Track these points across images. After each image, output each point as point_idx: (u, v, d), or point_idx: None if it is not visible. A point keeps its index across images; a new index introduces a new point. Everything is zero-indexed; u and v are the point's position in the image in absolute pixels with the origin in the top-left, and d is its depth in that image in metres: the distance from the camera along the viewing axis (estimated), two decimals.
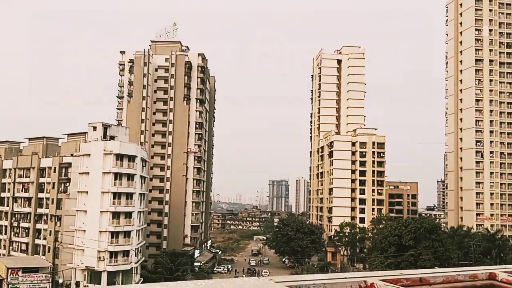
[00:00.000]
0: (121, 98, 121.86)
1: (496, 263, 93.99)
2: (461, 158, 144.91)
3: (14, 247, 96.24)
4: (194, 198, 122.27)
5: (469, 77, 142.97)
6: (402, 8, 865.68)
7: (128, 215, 79.13)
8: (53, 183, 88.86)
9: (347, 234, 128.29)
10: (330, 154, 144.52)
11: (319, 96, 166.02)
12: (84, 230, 75.88)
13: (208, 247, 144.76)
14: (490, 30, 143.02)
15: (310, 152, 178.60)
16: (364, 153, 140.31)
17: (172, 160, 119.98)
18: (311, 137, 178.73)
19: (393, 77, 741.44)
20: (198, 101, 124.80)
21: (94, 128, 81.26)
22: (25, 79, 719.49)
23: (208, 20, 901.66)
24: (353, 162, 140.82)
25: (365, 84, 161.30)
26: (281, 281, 3.84)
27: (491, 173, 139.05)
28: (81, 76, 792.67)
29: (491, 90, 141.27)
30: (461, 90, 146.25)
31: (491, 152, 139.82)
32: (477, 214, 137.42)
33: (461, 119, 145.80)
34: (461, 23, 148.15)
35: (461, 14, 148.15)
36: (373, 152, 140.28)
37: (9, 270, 66.11)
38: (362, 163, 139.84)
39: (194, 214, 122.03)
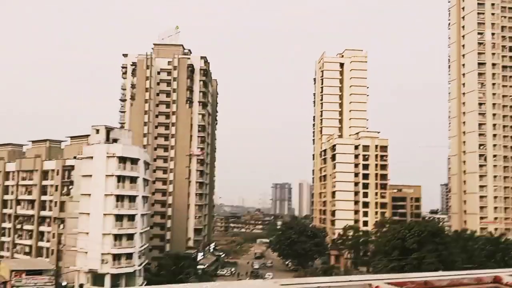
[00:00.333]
0: (124, 101, 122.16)
1: (500, 267, 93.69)
2: (464, 162, 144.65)
3: (17, 249, 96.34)
4: (197, 201, 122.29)
5: (472, 80, 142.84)
6: (406, 11, 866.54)
7: (131, 217, 79.14)
8: (56, 186, 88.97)
9: (350, 237, 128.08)
10: (333, 157, 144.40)
11: (321, 99, 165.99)
12: (87, 233, 75.91)
13: (211, 250, 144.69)
14: (493, 34, 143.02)
15: (313, 155, 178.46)
16: (367, 156, 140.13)
17: (175, 163, 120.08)
18: (313, 140, 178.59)
19: (396, 80, 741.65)
20: (201, 104, 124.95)
21: (97, 131, 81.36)
22: (28, 79, 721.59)
23: (209, 24, 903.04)
24: (356, 165, 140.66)
25: (368, 87, 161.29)
26: (286, 284, 3.86)
27: (495, 176, 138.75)
28: (83, 79, 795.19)
29: (494, 94, 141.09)
30: (464, 93, 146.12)
31: (494, 156, 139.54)
32: (480, 218, 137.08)
33: (464, 123, 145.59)
34: (463, 27, 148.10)
35: (463, 17, 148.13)
36: (376, 155, 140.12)
37: (13, 273, 66.21)
38: (365, 166, 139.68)
39: (197, 217, 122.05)
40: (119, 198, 77.23)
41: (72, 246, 76.85)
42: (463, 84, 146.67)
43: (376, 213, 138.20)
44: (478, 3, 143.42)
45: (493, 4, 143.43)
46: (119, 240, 76.55)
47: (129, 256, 77.61)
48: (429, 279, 4.52)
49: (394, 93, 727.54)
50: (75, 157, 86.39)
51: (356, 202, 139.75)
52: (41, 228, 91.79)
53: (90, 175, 77.64)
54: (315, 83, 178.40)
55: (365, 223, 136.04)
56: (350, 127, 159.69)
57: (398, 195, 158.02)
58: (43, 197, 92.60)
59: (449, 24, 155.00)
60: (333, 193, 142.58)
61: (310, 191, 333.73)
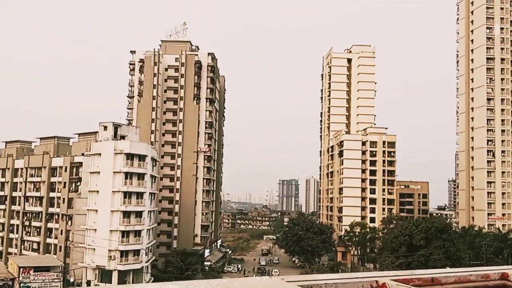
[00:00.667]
0: (132, 97, 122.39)
1: (508, 263, 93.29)
2: (472, 157, 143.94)
3: (25, 246, 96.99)
4: (204, 198, 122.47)
5: (481, 75, 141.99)
6: (415, 6, 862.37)
7: (139, 214, 79.40)
8: (64, 183, 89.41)
9: (357, 233, 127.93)
10: (340, 154, 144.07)
11: (329, 95, 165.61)
12: (95, 229, 76.24)
13: (218, 247, 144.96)
14: (502, 29, 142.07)
15: (320, 151, 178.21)
16: (374, 153, 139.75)
17: (182, 160, 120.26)
18: (321, 136, 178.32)
19: (403, 75, 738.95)
20: (208, 100, 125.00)
21: (105, 128, 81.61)
22: (31, 78, 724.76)
23: (217, 20, 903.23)
24: (363, 162, 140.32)
25: (376, 83, 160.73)
26: (292, 281, 3.83)
27: (503, 172, 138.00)
28: (92, 76, 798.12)
29: (502, 89, 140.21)
30: (472, 89, 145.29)
31: (503, 151, 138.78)
32: (488, 214, 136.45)
33: (472, 118, 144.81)
34: (472, 22, 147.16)
35: (472, 12, 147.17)
36: (384, 152, 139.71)
37: (21, 269, 66.55)
38: (373, 163, 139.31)
39: (204, 214, 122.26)
40: (127, 194, 77.46)
41: (80, 242, 77.23)
42: (472, 79, 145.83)
43: (384, 209, 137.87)
44: None
45: None
46: (126, 236, 76.80)
47: (136, 252, 77.90)
48: (436, 275, 4.48)
49: (401, 89, 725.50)
50: (83, 154, 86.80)
51: (364, 199, 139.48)
52: (49, 225, 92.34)
53: (98, 172, 77.94)
54: (322, 79, 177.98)
55: (372, 220, 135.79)
56: (357, 123, 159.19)
57: (405, 191, 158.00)
58: (51, 194, 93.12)
59: (457, 19, 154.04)
60: (340, 189, 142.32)
61: (317, 187, 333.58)
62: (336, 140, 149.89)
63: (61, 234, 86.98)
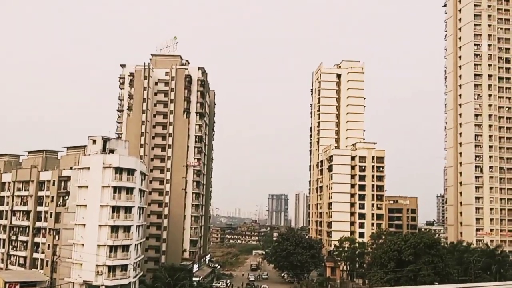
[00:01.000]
0: (121, 111, 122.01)
1: (496, 279, 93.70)
2: (460, 173, 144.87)
3: (12, 261, 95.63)
4: (193, 212, 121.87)
5: (468, 91, 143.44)
6: (403, 22, 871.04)
7: (127, 229, 78.72)
8: (52, 197, 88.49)
9: (346, 249, 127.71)
10: (330, 168, 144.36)
11: (318, 110, 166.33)
12: (83, 244, 75.46)
13: (207, 262, 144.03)
14: (489, 45, 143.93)
15: (310, 166, 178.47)
16: (363, 168, 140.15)
17: (172, 174, 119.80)
18: (310, 151, 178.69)
19: (394, 91, 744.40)
20: (198, 114, 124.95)
21: (94, 142, 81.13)
22: (23, 90, 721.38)
23: (208, 34, 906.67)
24: (353, 177, 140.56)
25: (365, 98, 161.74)
26: None
27: (491, 188, 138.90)
28: (81, 89, 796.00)
29: (490, 105, 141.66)
30: (460, 104, 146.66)
31: (491, 167, 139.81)
32: (476, 229, 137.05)
33: (460, 134, 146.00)
34: (460, 38, 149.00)
35: (460, 29, 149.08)
36: (373, 167, 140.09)
37: (7, 284, 65.76)
38: (362, 178, 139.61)
39: (193, 228, 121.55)
40: (115, 209, 76.81)
41: (67, 257, 76.35)
42: (460, 95, 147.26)
43: (373, 224, 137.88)
44: (475, 15, 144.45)
45: (489, 16, 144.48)
46: (114, 251, 76.04)
47: (124, 267, 77.11)
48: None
49: (390, 103, 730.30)
50: (71, 168, 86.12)
51: (353, 214, 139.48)
52: (36, 239, 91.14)
53: (87, 186, 77.34)
54: (312, 94, 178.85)
55: (361, 235, 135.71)
56: (347, 138, 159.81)
57: (394, 207, 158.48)
58: (39, 208, 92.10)
59: (445, 35, 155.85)
60: (330, 204, 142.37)
61: (306, 202, 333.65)
62: (326, 154, 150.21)
63: (48, 248, 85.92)
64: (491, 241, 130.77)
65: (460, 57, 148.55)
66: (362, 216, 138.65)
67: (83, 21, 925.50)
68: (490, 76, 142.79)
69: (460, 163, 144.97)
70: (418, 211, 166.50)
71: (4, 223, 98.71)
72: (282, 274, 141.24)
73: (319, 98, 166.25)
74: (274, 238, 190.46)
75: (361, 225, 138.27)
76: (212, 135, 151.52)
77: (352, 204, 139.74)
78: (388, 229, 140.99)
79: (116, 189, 77.15)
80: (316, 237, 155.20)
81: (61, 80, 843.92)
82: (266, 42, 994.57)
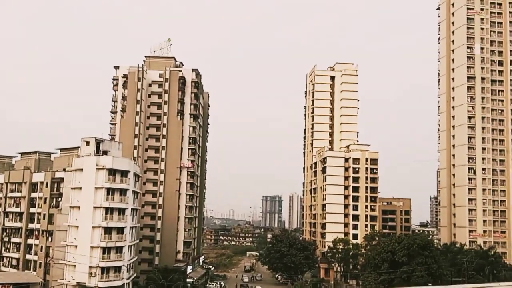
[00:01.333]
0: (115, 113, 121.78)
1: (489, 280, 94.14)
2: (453, 175, 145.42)
3: (4, 262, 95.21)
4: (187, 214, 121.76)
5: (461, 94, 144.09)
6: (397, 25, 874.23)
7: (120, 230, 78.56)
8: (45, 198, 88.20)
9: (340, 250, 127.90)
10: (323, 170, 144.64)
11: (312, 112, 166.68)
12: (76, 246, 75.21)
13: (201, 263, 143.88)
14: (482, 48, 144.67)
15: (304, 168, 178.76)
16: (357, 169, 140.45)
17: (165, 175, 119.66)
18: (304, 153, 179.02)
19: (387, 93, 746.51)
20: (192, 116, 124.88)
21: (87, 143, 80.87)
22: (16, 91, 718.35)
23: (202, 35, 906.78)
24: (346, 178, 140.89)
25: (358, 100, 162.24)
26: None
27: (484, 190, 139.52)
28: (74, 91, 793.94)
29: (483, 108, 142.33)
30: (453, 107, 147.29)
31: (484, 169, 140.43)
32: (470, 231, 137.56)
33: (453, 136, 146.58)
34: (453, 41, 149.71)
35: (453, 32, 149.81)
36: (366, 168, 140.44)
37: (0, 286, 65.44)
38: (355, 179, 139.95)
39: (187, 230, 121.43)
40: (109, 210, 76.65)
41: (60, 259, 76.11)
42: (453, 98, 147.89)
43: (366, 226, 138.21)
44: (468, 18, 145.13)
45: (482, 19, 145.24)
46: (107, 253, 75.86)
47: (117, 269, 76.90)
48: None
49: (383, 105, 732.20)
50: (64, 169, 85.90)
51: (346, 215, 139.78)
52: (29, 241, 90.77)
53: (80, 188, 77.13)
54: (306, 96, 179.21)
55: (355, 236, 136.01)
56: (340, 140, 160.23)
57: (387, 208, 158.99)
58: (32, 210, 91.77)
59: (438, 38, 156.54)
60: (324, 205, 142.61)
61: (300, 203, 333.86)
62: (319, 156, 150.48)
63: (41, 250, 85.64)
64: (484, 242, 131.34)
65: (453, 60, 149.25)
66: (356, 217, 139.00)
67: (75, 21, 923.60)
68: (483, 79, 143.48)
69: (453, 165, 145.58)
70: (412, 212, 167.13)
71: None
72: (276, 276, 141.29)
73: (313, 100, 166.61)
74: (268, 240, 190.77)
75: (355, 227, 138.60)
76: (206, 136, 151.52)
77: (346, 206, 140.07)
78: (382, 230, 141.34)
79: (110, 191, 76.97)
80: (310, 238, 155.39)
81: (54, 81, 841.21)
82: (260, 44, 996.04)
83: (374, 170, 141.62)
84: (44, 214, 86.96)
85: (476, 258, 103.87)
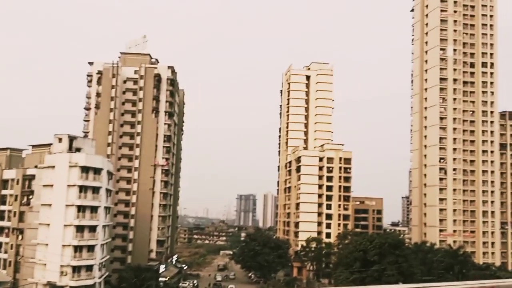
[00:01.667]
0: (88, 109, 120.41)
1: (458, 279, 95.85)
2: (425, 175, 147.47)
3: None
4: (160, 212, 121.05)
5: (434, 95, 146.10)
6: (371, 26, 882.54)
7: (93, 229, 77.81)
8: (16, 196, 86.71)
9: (313, 249, 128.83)
10: (298, 169, 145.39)
11: (287, 111, 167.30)
12: (47, 244, 74.22)
13: (174, 262, 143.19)
14: (455, 50, 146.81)
15: (278, 166, 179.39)
16: (331, 169, 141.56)
17: (139, 173, 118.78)
18: (279, 151, 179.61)
19: (361, 93, 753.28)
20: (167, 114, 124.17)
21: (60, 140, 79.84)
22: None
23: (178, 33, 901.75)
24: (320, 177, 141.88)
25: (333, 100, 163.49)
26: None
27: (454, 190, 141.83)
28: (47, 87, 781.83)
29: (454, 109, 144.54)
30: (425, 108, 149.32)
31: (454, 169, 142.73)
32: (440, 230, 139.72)
33: (425, 136, 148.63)
34: (426, 43, 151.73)
35: (426, 33, 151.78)
36: (340, 168, 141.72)
37: None
38: (329, 178, 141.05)
39: (160, 228, 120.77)
40: (81, 208, 75.82)
41: (31, 257, 75.01)
42: (425, 98, 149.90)
43: (339, 225, 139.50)
44: (441, 20, 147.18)
45: (455, 21, 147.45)
46: (79, 251, 75.04)
47: (89, 268, 76.17)
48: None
49: (357, 105, 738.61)
50: (36, 166, 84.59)
51: (320, 214, 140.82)
52: None
53: (52, 185, 76.13)
54: (281, 95, 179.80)
55: (328, 235, 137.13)
56: (315, 139, 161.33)
57: (360, 207, 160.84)
58: (2, 207, 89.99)
59: (412, 39, 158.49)
60: (297, 204, 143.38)
61: (274, 202, 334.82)
62: (294, 155, 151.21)
63: (11, 248, 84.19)
64: (454, 241, 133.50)
65: (426, 61, 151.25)
66: (329, 216, 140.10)
67: (49, 16, 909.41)
68: (455, 80, 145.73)
69: (425, 165, 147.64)
70: (384, 212, 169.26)
71: None
72: (249, 274, 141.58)
73: (288, 99, 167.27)
74: (242, 238, 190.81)
75: (328, 226, 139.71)
76: (181, 134, 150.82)
77: (320, 205, 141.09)
78: (354, 229, 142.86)
79: (82, 188, 76.17)
80: (283, 237, 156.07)
81: (27, 78, 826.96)
82: (236, 42, 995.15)
83: (348, 169, 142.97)
84: (15, 212, 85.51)
85: (446, 257, 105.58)
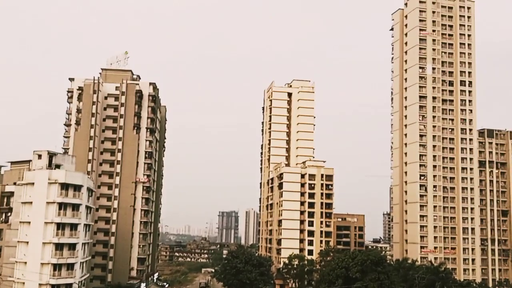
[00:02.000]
0: (69, 126, 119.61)
1: None
2: (406, 192, 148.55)
3: None
4: (141, 229, 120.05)
5: (414, 113, 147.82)
6: (351, 44, 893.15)
7: (72, 246, 76.81)
8: None
9: (295, 266, 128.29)
10: (280, 186, 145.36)
11: (269, 128, 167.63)
12: (25, 262, 73.04)
13: (155, 280, 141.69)
14: (434, 68, 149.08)
15: (260, 183, 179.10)
16: (313, 185, 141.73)
17: (120, 190, 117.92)
18: (261, 168, 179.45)
19: (342, 112, 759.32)
20: (148, 130, 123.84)
21: (39, 156, 79.07)
22: None
23: (160, 50, 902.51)
24: (302, 194, 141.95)
25: (315, 117, 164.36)
26: None
27: (435, 206, 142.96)
28: (27, 103, 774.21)
29: (434, 126, 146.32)
30: (405, 125, 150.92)
31: (434, 186, 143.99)
32: (421, 247, 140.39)
33: (405, 154, 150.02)
34: (406, 61, 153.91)
35: (406, 52, 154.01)
36: (322, 184, 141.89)
37: None
38: (311, 195, 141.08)
39: (141, 246, 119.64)
40: (60, 226, 74.85)
41: (9, 276, 73.72)
42: (405, 116, 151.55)
43: (321, 241, 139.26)
44: (420, 39, 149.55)
45: (434, 40, 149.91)
46: (58, 270, 73.91)
47: (68, 286, 75.02)
48: None
49: (338, 123, 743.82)
50: (15, 183, 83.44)
51: (302, 231, 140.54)
52: None
53: (31, 202, 75.11)
54: (263, 112, 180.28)
55: (310, 252, 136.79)
56: (297, 156, 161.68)
57: (342, 224, 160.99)
58: None
59: (392, 58, 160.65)
60: (280, 221, 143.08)
61: (256, 219, 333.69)
62: (276, 172, 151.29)
63: None
64: (435, 258, 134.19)
65: (406, 79, 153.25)
66: (311, 233, 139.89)
67: (28, 31, 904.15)
68: (434, 98, 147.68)
69: (406, 182, 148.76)
70: (365, 228, 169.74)
71: None
72: None
73: (270, 116, 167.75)
74: (224, 256, 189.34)
75: (310, 242, 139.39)
76: (163, 151, 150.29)
77: (302, 222, 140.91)
78: (336, 246, 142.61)
79: (62, 206, 75.29)
80: (265, 254, 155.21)
81: (7, 93, 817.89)
82: (217, 60, 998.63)
83: (329, 186, 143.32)
84: None
85: (427, 274, 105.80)
